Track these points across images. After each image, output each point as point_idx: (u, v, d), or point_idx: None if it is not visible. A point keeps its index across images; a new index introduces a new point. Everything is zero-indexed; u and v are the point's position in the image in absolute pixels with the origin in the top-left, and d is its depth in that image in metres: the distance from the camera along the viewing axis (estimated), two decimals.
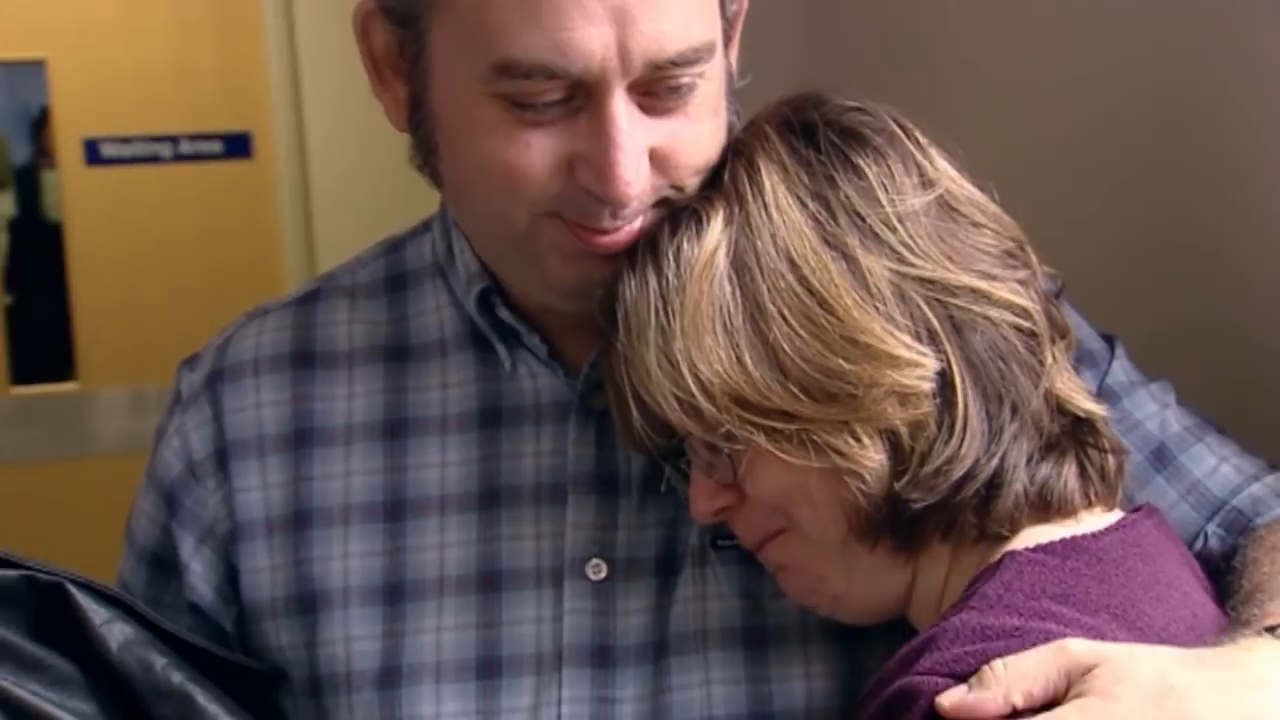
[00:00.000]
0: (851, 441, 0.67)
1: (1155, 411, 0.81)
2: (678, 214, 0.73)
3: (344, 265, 0.90)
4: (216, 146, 3.51)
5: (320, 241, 3.38)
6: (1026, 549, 0.68)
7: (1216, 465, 0.80)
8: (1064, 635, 0.62)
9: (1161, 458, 0.80)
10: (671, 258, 0.71)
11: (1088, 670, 0.59)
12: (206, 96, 3.48)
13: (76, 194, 3.45)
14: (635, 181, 0.70)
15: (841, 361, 0.67)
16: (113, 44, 3.41)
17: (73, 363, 3.48)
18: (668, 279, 0.70)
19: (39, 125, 3.44)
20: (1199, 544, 0.78)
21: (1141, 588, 0.68)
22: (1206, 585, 0.72)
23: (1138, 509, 0.74)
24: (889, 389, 0.67)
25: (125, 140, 3.46)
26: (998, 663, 0.60)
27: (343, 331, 0.85)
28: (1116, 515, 0.73)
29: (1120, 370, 0.82)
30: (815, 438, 0.68)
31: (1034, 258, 0.73)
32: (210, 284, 3.32)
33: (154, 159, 3.48)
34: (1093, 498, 0.72)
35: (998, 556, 0.69)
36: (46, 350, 3.49)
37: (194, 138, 3.50)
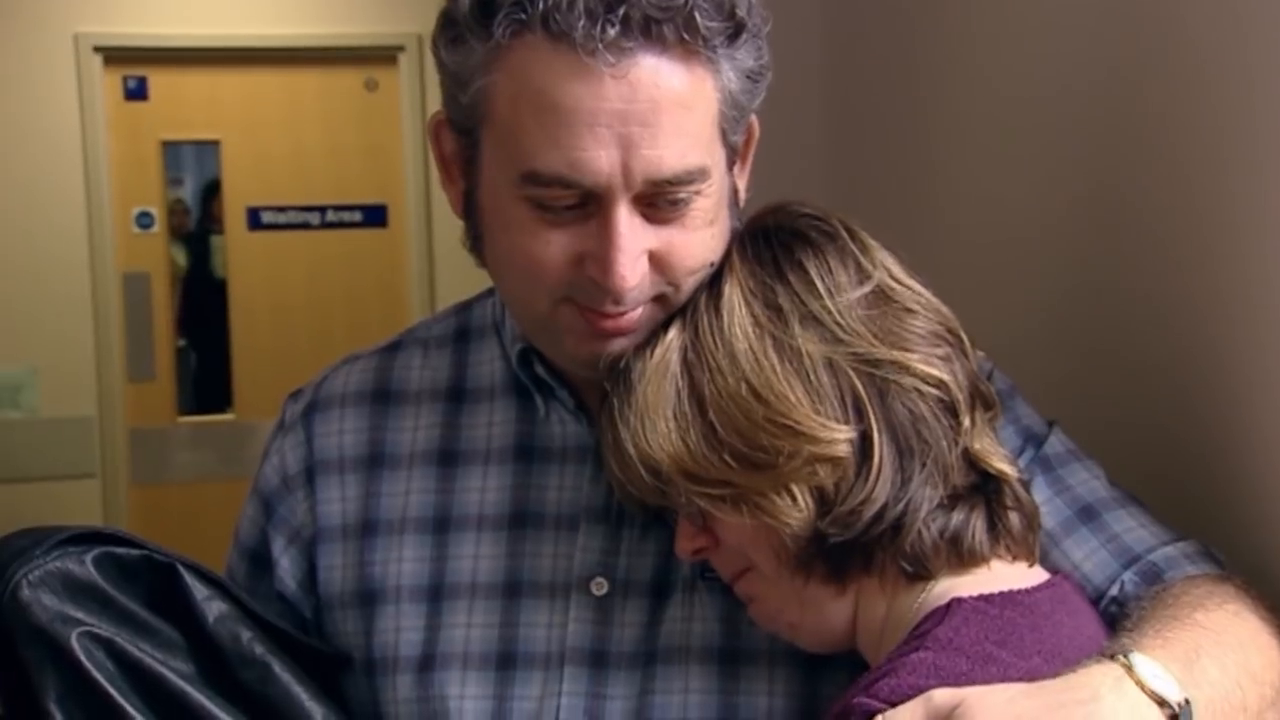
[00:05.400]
0: (785, 497, 0.73)
1: (1086, 479, 0.85)
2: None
3: (425, 321, 0.96)
4: (357, 216, 3.72)
5: (440, 297, 3.53)
6: (970, 597, 0.72)
7: (1136, 527, 0.83)
8: (1003, 680, 0.66)
9: (1088, 514, 0.83)
10: (631, 370, 0.77)
11: (951, 712, 0.63)
12: (350, 174, 3.69)
13: (239, 254, 3.67)
14: (630, 277, 0.75)
15: (765, 437, 0.73)
16: (274, 130, 3.64)
17: (230, 397, 3.66)
18: (624, 390, 0.77)
19: (212, 196, 3.67)
20: (1115, 589, 0.80)
21: (1067, 637, 0.72)
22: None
23: (1056, 573, 0.78)
24: (808, 457, 0.73)
25: (281, 209, 3.68)
26: (880, 717, 0.65)
27: (415, 375, 0.91)
28: (1040, 572, 0.77)
29: (1057, 443, 0.86)
30: (748, 500, 0.74)
31: (966, 342, 0.78)
32: (348, 331, 3.48)
33: (305, 225, 3.70)
34: (1006, 550, 0.76)
35: (943, 601, 0.73)
36: (209, 386, 3.68)
37: (339, 208, 3.71)
